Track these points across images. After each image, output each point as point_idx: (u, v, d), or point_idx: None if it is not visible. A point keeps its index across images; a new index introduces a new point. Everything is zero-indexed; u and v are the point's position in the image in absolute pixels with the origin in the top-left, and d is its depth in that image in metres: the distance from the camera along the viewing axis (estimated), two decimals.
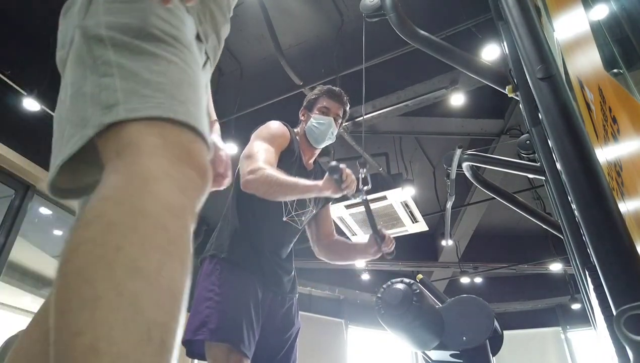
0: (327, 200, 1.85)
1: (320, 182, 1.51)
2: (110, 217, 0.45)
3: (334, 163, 1.48)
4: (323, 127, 1.77)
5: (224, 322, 1.40)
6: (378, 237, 1.65)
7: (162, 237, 0.46)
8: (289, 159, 1.71)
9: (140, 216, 0.46)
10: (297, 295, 1.72)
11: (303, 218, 1.75)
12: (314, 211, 1.80)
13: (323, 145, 1.83)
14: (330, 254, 1.84)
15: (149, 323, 0.41)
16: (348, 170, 1.50)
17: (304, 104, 1.86)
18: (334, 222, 2.01)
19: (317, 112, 1.80)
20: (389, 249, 1.67)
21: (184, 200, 0.52)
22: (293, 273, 1.72)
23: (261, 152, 1.58)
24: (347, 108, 1.86)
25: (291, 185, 1.50)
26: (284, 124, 1.75)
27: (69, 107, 0.62)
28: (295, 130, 1.82)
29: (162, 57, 0.63)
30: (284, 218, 1.68)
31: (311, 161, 1.84)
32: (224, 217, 1.68)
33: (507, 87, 1.24)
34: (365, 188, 1.57)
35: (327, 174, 1.50)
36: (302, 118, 1.84)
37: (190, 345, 1.45)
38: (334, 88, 1.87)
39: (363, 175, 1.58)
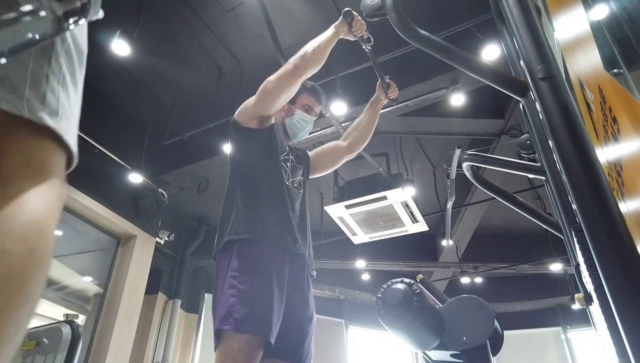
0: (308, 173, 1.87)
1: (333, 28, 1.74)
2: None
3: (347, 9, 1.75)
4: (306, 125, 1.84)
5: (249, 312, 1.35)
6: (384, 83, 2.00)
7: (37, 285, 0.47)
8: (274, 136, 1.71)
9: (40, 267, 0.47)
10: (313, 265, 1.68)
11: (296, 184, 1.74)
12: (302, 178, 1.79)
13: (296, 141, 1.87)
14: (358, 141, 1.96)
15: None
16: (359, 17, 1.75)
17: None
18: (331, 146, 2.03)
19: (300, 108, 1.84)
20: (394, 95, 2.04)
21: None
22: (308, 235, 1.68)
23: None
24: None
25: (313, 47, 1.66)
26: None
27: None
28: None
29: None
30: (287, 182, 1.66)
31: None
32: (225, 205, 1.63)
33: (576, 294, 1.37)
34: (370, 44, 1.88)
35: (341, 17, 1.75)
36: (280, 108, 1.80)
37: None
38: (316, 85, 1.89)
39: (366, 36, 1.86)
